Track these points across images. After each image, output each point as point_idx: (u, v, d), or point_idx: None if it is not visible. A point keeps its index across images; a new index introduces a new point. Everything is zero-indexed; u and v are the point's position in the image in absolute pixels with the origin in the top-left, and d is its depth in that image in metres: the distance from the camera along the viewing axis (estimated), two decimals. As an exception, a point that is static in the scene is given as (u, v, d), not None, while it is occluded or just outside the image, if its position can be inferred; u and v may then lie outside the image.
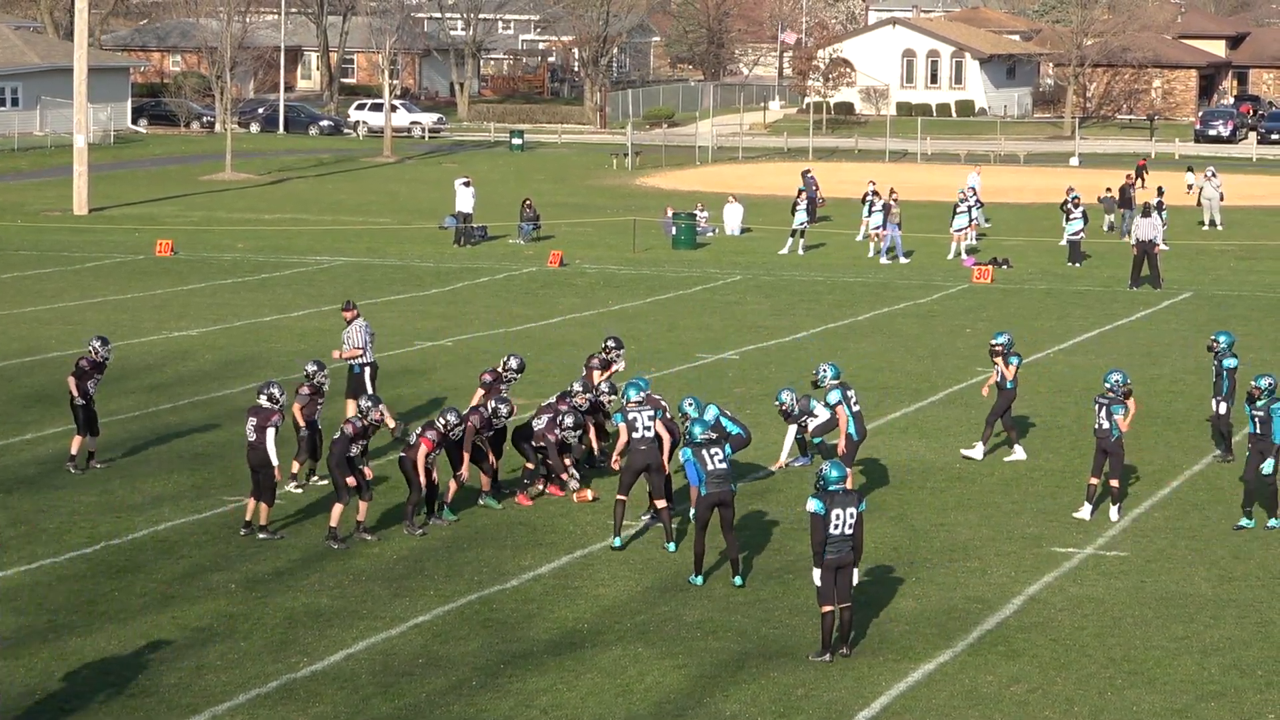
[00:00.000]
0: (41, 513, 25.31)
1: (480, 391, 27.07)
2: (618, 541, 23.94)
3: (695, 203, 65.74)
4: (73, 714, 18.14)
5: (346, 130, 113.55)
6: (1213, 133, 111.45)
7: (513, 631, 20.75)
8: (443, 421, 24.83)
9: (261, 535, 24.19)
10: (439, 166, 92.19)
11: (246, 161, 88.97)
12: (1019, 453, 29.19)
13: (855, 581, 20.10)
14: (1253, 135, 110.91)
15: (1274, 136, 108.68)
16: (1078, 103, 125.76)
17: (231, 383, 34.75)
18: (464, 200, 58.90)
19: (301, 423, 26.62)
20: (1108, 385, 25.72)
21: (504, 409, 25.70)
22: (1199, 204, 66.58)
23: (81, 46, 70.43)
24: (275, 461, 24.15)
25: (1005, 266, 53.85)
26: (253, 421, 24.35)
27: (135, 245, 56.94)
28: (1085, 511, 25.71)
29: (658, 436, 24.23)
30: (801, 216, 57.98)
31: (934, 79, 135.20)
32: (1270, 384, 25.20)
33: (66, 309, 43.89)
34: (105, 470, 27.71)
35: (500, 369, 27.56)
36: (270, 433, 24.18)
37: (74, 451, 27.72)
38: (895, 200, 56.33)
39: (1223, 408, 28.92)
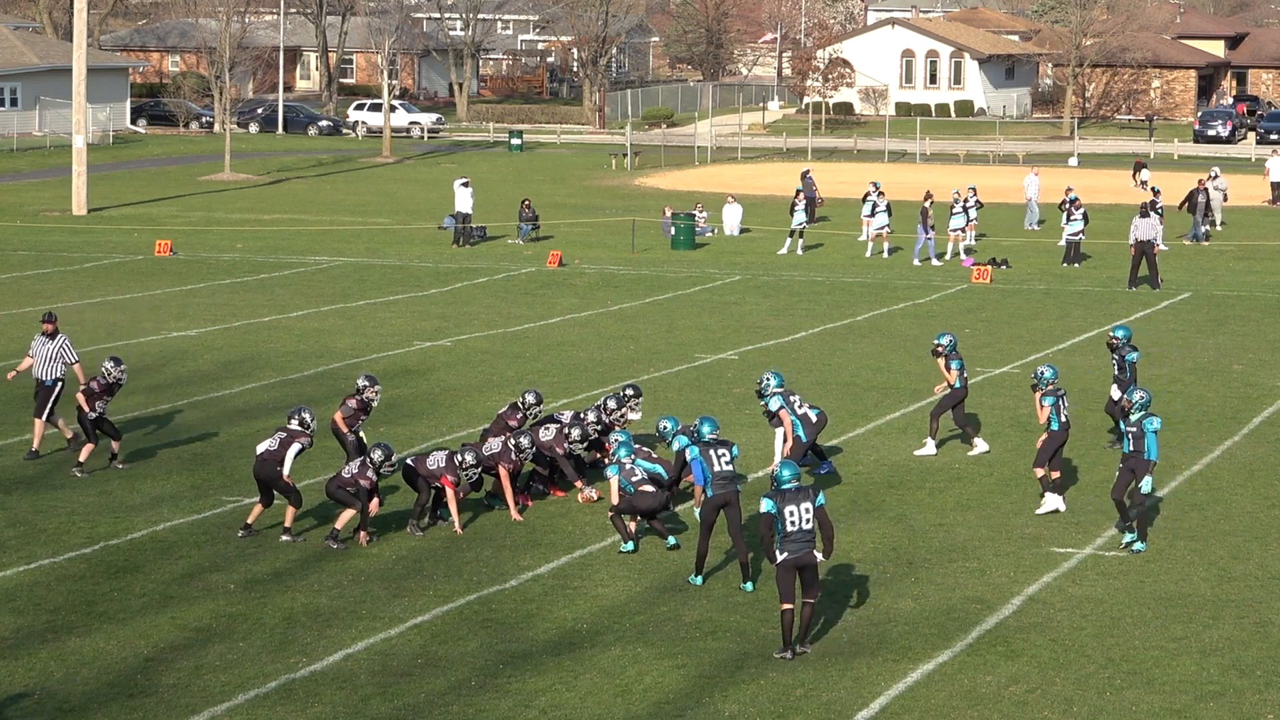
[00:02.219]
0: (40, 513, 25.31)
1: (506, 434, 26.74)
2: (632, 545, 23.96)
3: (694, 203, 65.77)
4: (72, 714, 18.14)
5: (345, 131, 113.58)
6: (1211, 133, 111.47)
7: (512, 632, 20.75)
8: (459, 460, 24.83)
9: (284, 538, 24.14)
10: (437, 167, 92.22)
11: (245, 162, 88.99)
12: (981, 445, 29.56)
13: (819, 559, 20.18)
14: (1252, 135, 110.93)
15: (1273, 137, 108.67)
16: (1076, 103, 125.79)
17: (230, 383, 34.75)
18: (463, 201, 58.89)
19: (345, 430, 26.49)
20: (1052, 378, 26.00)
21: (525, 441, 25.68)
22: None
23: (80, 47, 70.41)
24: (287, 472, 24.13)
25: (1004, 267, 53.86)
26: (280, 435, 24.30)
27: (134, 246, 56.94)
28: (1059, 502, 25.95)
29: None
30: (800, 217, 57.97)
31: (933, 79, 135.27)
32: (1143, 399, 24.32)
33: (65, 309, 43.84)
34: (104, 471, 27.71)
35: (523, 412, 27.22)
36: (294, 448, 24.14)
37: (82, 459, 27.69)
38: (931, 203, 56.16)
39: (1116, 394, 29.64)
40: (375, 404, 26.98)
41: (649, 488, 24.16)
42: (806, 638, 20.10)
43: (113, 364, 28.07)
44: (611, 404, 27.29)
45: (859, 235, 59.78)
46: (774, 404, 26.38)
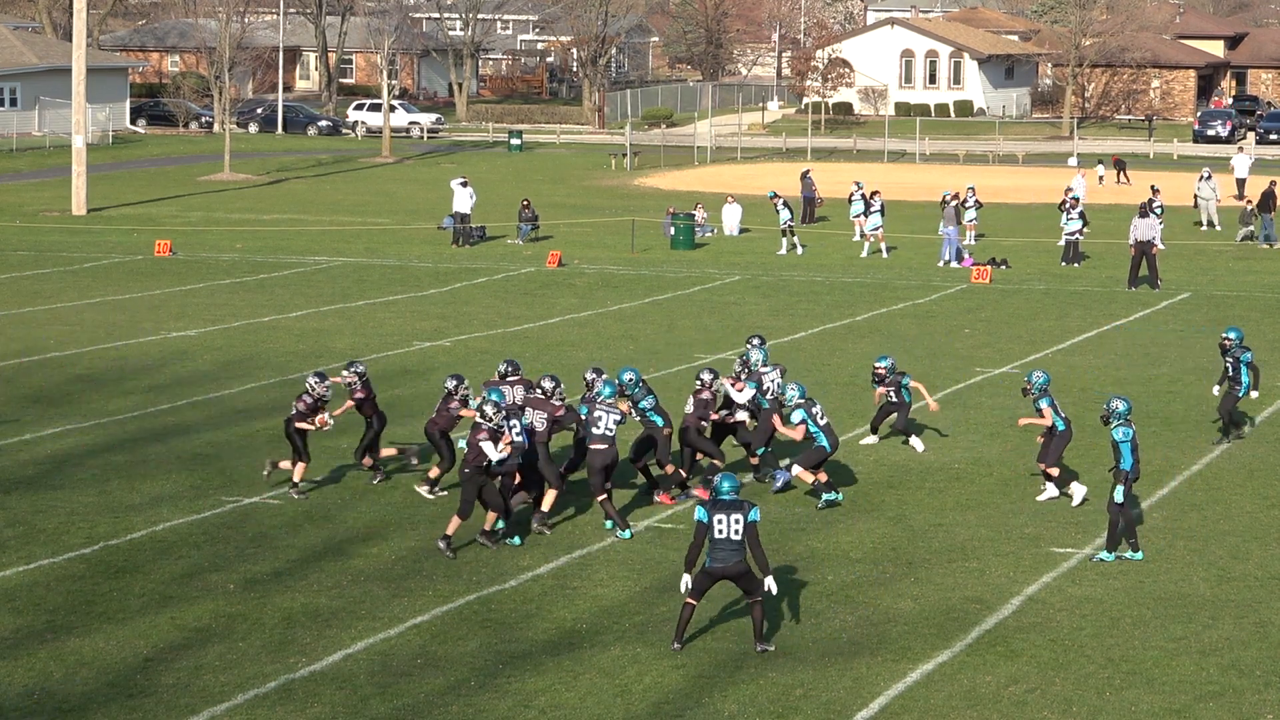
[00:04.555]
0: (40, 513, 25.30)
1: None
2: (628, 533, 24.26)
3: (694, 203, 65.78)
4: (71, 714, 18.13)
5: (345, 130, 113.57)
6: (1211, 133, 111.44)
7: (511, 632, 20.75)
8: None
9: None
10: (437, 167, 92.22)
11: (245, 162, 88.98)
12: (917, 444, 29.32)
13: (774, 590, 20.21)
14: (1251, 135, 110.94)
15: (1272, 137, 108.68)
16: (1076, 103, 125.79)
17: (229, 383, 34.75)
18: (461, 200, 58.91)
19: (352, 405, 26.61)
20: (1044, 383, 26.36)
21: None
22: (1195, 205, 66.59)
23: (80, 47, 70.41)
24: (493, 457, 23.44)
25: (1003, 267, 53.85)
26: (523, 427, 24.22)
27: (133, 246, 56.95)
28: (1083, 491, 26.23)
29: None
30: (785, 214, 57.80)
31: (932, 79, 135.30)
32: (1120, 407, 23.88)
33: (65, 309, 43.89)
34: (103, 471, 27.68)
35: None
36: (488, 445, 23.55)
37: (296, 479, 26.47)
38: (958, 201, 56.03)
39: (1238, 391, 30.03)
40: (328, 399, 26.58)
41: (601, 445, 24.54)
42: (761, 634, 20.18)
43: (317, 380, 26.50)
44: (706, 376, 26.90)
45: (853, 236, 59.81)
46: (796, 416, 25.91)
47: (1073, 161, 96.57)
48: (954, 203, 55.95)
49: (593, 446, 24.70)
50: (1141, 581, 22.83)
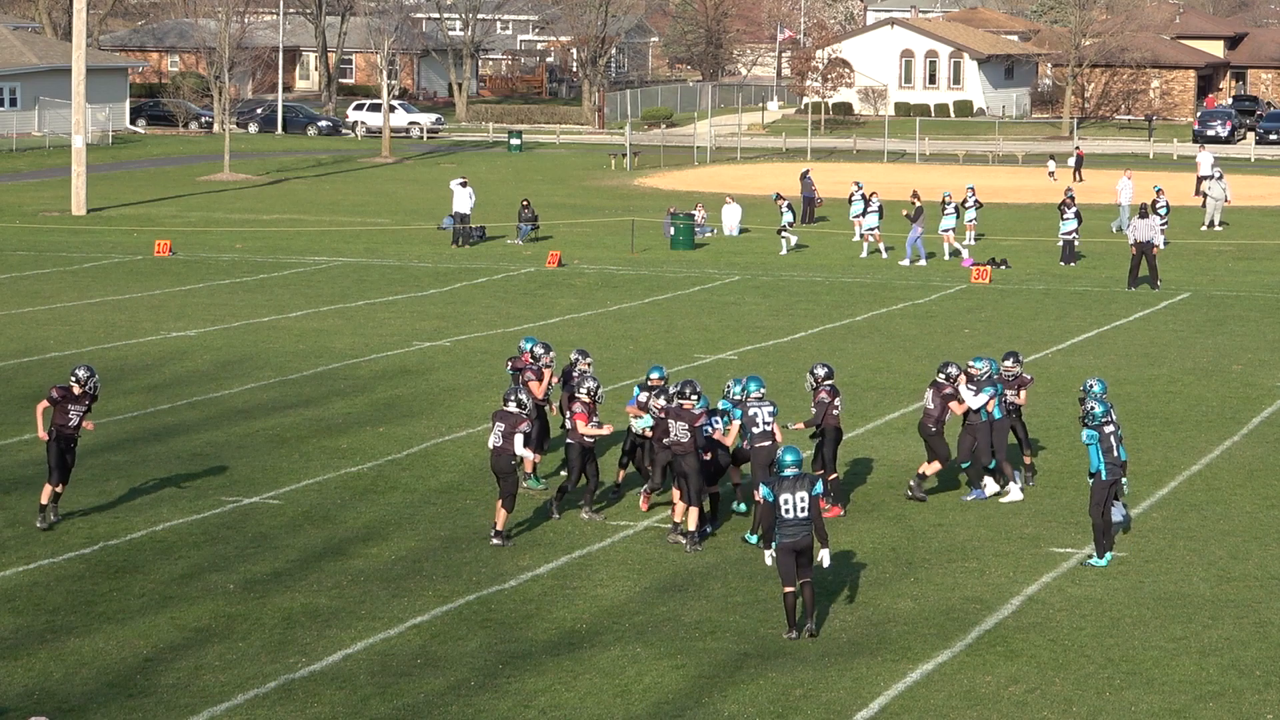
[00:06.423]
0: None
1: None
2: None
3: (694, 203, 65.79)
4: (71, 714, 18.13)
5: (345, 131, 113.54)
6: (1211, 133, 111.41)
7: (511, 632, 20.75)
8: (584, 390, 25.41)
9: (495, 540, 24.09)
10: (437, 167, 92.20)
11: (244, 162, 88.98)
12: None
13: (826, 562, 20.80)
14: (1251, 135, 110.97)
15: (1272, 137, 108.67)
16: (1076, 103, 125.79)
17: (229, 383, 34.74)
18: (461, 201, 58.91)
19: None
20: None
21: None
22: (1203, 204, 66.51)
23: (80, 47, 70.40)
24: (532, 456, 25.22)
25: (1003, 267, 53.84)
26: (500, 427, 24.06)
27: (133, 246, 56.94)
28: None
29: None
30: (788, 215, 57.84)
31: (932, 79, 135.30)
32: (1097, 410, 23.42)
33: (64, 309, 43.88)
34: (103, 471, 27.68)
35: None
36: (519, 438, 23.87)
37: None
38: (971, 202, 56.01)
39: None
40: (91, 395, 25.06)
41: (766, 442, 24.38)
42: (812, 617, 20.35)
43: (86, 372, 25.12)
44: (953, 370, 26.39)
45: (853, 236, 59.85)
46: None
47: (1071, 162, 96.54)
48: (943, 204, 55.87)
49: (758, 445, 24.50)
50: (1141, 581, 22.83)
